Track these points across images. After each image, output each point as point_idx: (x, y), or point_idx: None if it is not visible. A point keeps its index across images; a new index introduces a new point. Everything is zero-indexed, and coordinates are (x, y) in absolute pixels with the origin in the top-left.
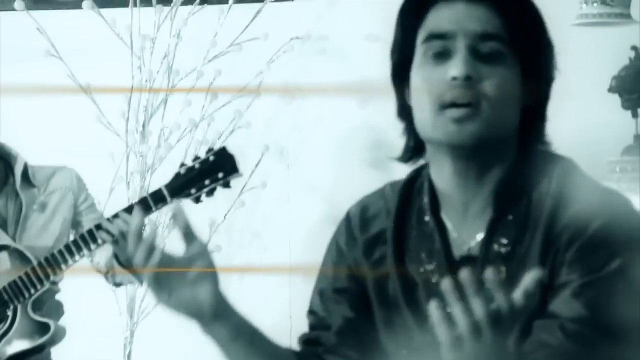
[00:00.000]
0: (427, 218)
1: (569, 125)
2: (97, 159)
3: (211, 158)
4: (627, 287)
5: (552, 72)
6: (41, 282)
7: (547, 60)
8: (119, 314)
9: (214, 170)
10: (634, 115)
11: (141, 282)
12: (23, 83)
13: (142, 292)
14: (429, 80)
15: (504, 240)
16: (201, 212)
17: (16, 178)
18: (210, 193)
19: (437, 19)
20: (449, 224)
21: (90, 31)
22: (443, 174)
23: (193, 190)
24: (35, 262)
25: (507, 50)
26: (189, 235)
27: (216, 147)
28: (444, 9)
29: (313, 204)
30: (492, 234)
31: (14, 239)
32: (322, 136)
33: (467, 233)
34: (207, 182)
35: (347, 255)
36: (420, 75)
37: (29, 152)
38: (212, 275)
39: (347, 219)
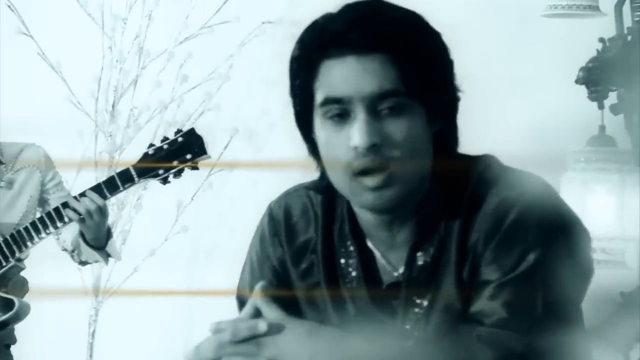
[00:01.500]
0: (351, 247)
1: (536, 115)
2: (65, 138)
3: (180, 139)
4: (545, 281)
5: (456, 92)
6: (6, 259)
7: (450, 87)
8: (84, 293)
9: (183, 151)
10: (600, 106)
11: (107, 262)
12: None
13: (107, 272)
14: (334, 146)
15: (426, 258)
16: (169, 193)
17: None
18: (178, 174)
19: (330, 80)
20: (376, 252)
21: (62, 10)
22: (366, 217)
23: (161, 171)
24: (0, 239)
25: (407, 100)
26: None
27: (185, 128)
28: (335, 65)
29: (281, 187)
30: (414, 254)
31: None
32: (291, 121)
33: (396, 260)
34: (175, 163)
35: (273, 258)
36: (324, 136)
37: None
38: None
39: (272, 219)
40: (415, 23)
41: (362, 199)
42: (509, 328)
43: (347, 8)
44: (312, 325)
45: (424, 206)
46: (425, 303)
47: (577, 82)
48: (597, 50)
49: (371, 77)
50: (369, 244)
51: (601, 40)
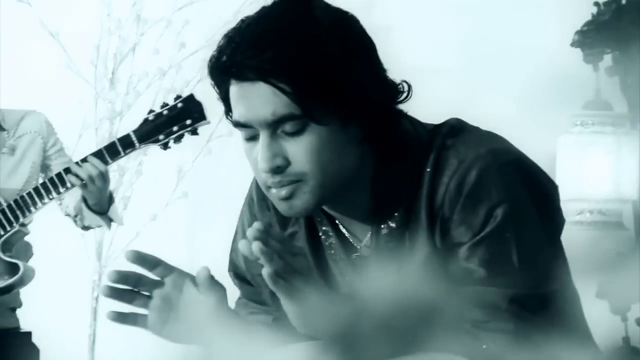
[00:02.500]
0: (324, 226)
1: (532, 79)
2: (66, 105)
3: (179, 105)
4: (516, 233)
5: (372, 89)
6: (10, 223)
7: (365, 93)
8: (87, 257)
9: (182, 117)
10: (595, 69)
11: (109, 226)
12: None
13: (110, 236)
14: (250, 163)
15: (392, 224)
16: (169, 158)
17: None
18: (178, 140)
19: (235, 104)
20: (341, 226)
21: None
22: None
23: (161, 137)
24: (4, 205)
25: (304, 120)
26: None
27: (184, 95)
28: (236, 89)
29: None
30: (378, 224)
31: None
32: None
33: (359, 232)
34: (175, 128)
35: (262, 221)
36: (244, 148)
37: None
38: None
39: (258, 189)
40: (309, 40)
41: (278, 207)
42: (490, 285)
43: (239, 29)
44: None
45: (379, 181)
46: (393, 267)
47: (572, 45)
48: (592, 14)
49: (265, 103)
50: (337, 220)
51: (596, 4)
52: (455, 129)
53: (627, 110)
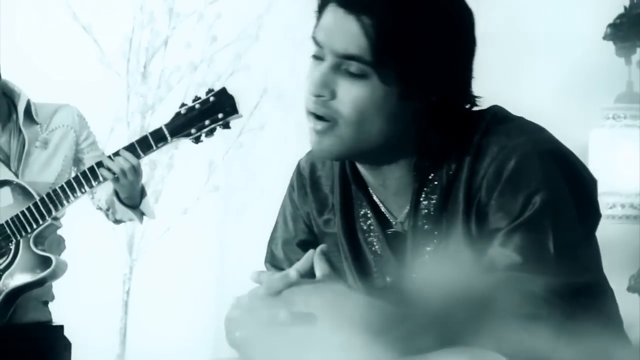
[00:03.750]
0: (362, 197)
1: (564, 72)
2: (98, 98)
3: (211, 99)
4: (553, 222)
5: (448, 83)
6: (43, 217)
7: (430, 70)
8: (119, 250)
9: (214, 110)
10: (627, 62)
11: (141, 220)
12: (26, 23)
13: (141, 230)
14: (308, 77)
15: (430, 206)
16: (200, 152)
17: (19, 115)
18: (210, 133)
19: (321, 23)
20: (377, 201)
21: None
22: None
23: (193, 130)
24: (37, 198)
25: (370, 70)
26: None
27: (216, 88)
28: (329, 12)
29: (309, 147)
30: (417, 202)
31: (16, 174)
32: None
33: (395, 208)
34: (207, 122)
35: (301, 209)
36: (310, 63)
37: (32, 90)
38: None
39: (299, 174)
40: (422, 8)
41: (310, 140)
42: (524, 271)
43: None
44: (341, 291)
45: (422, 158)
46: (431, 250)
47: (604, 38)
48: (625, 7)
49: (343, 36)
50: (371, 193)
51: None
52: (498, 116)
53: None
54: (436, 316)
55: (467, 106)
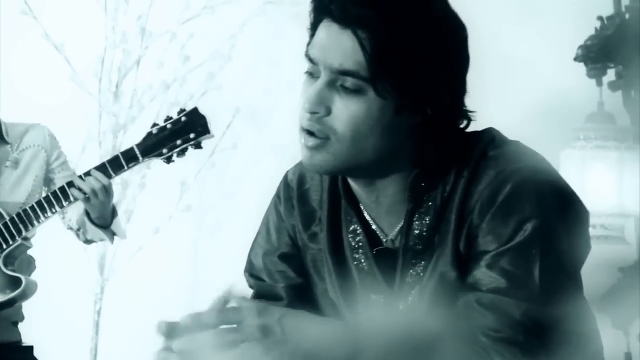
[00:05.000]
0: (352, 213)
1: (536, 92)
2: (70, 118)
3: (183, 118)
4: (542, 250)
5: (442, 97)
6: (13, 237)
7: (425, 84)
8: (90, 271)
9: (186, 130)
10: (598, 84)
11: (112, 240)
12: None
13: (112, 250)
14: (302, 95)
15: (423, 226)
16: (172, 172)
17: None
18: (182, 153)
19: (315, 39)
20: (369, 218)
21: None
22: (352, 181)
23: (165, 150)
24: (7, 218)
25: (366, 85)
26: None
27: (188, 108)
28: (323, 28)
29: (283, 166)
30: (410, 221)
31: None
32: (292, 99)
33: (386, 225)
34: (178, 142)
35: (287, 221)
36: (303, 80)
37: (2, 110)
38: None
39: (287, 185)
40: (414, 19)
41: (301, 154)
42: (508, 295)
43: None
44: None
45: (417, 180)
46: (420, 269)
47: (575, 59)
48: (595, 29)
49: (338, 52)
50: (363, 210)
51: (599, 18)
52: (496, 139)
53: (630, 124)
54: (390, 345)
55: (463, 122)
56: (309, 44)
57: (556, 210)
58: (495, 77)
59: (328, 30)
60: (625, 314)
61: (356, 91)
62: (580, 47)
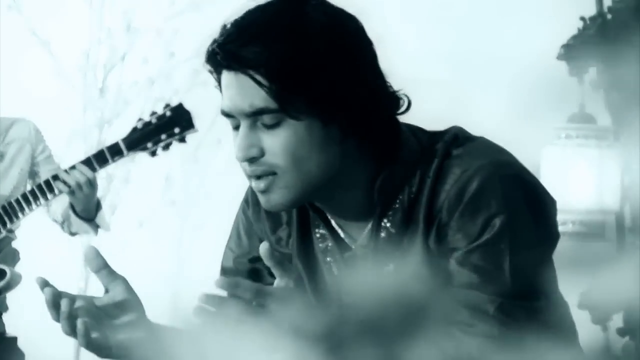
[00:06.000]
0: (321, 229)
1: (518, 91)
2: (55, 112)
3: (168, 113)
4: (511, 245)
5: (360, 92)
6: None
7: (335, 89)
8: (74, 263)
9: (171, 125)
10: (580, 82)
11: (96, 233)
12: None
13: (97, 243)
14: (234, 151)
15: (391, 229)
16: (157, 167)
17: None
18: (167, 147)
19: (223, 94)
20: (335, 225)
21: None
22: None
23: (149, 144)
24: None
25: (281, 115)
26: (108, 274)
27: (173, 103)
28: (224, 78)
29: None
30: (378, 225)
31: None
32: None
33: (354, 230)
34: (163, 136)
35: (255, 225)
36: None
37: None
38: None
39: (254, 192)
40: (294, 36)
41: (260, 199)
42: (480, 290)
43: (236, 19)
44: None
45: (379, 183)
46: (389, 268)
47: (558, 58)
48: (578, 29)
49: (244, 95)
50: (329, 217)
51: (582, 18)
52: (459, 138)
53: (611, 123)
54: (371, 320)
55: (399, 106)
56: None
57: (522, 203)
58: (477, 76)
59: (227, 79)
60: (604, 309)
61: (276, 124)
62: (563, 46)
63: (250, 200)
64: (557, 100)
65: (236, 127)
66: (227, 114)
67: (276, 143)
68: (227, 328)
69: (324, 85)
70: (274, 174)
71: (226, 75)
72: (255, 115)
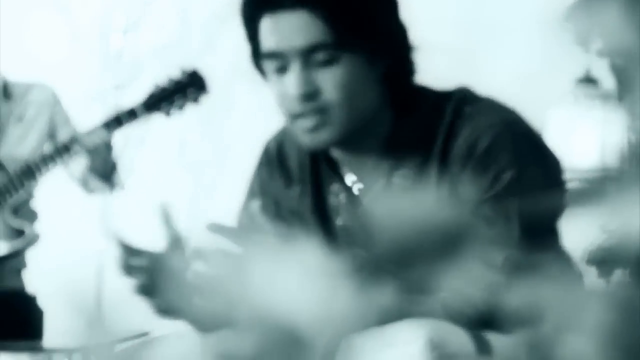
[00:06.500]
0: (330, 174)
1: (524, 55)
2: (72, 77)
3: (183, 77)
4: (519, 200)
5: (399, 31)
6: (16, 190)
7: (389, 29)
8: (91, 222)
9: (185, 88)
10: (586, 47)
11: (113, 191)
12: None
13: (113, 204)
14: (277, 92)
15: (405, 179)
16: (172, 129)
17: None
18: (180, 108)
19: (267, 35)
20: (349, 179)
21: None
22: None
23: (164, 106)
24: (11, 171)
25: (338, 52)
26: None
27: (188, 68)
28: (269, 20)
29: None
30: (390, 179)
31: None
32: None
33: (368, 183)
34: (178, 99)
35: (269, 184)
36: (272, 84)
37: (6, 68)
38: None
39: (267, 151)
40: None
41: (302, 139)
42: (489, 242)
43: None
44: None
45: (395, 137)
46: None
47: (565, 21)
48: None
49: (300, 31)
50: (342, 171)
51: None
52: (469, 97)
53: (615, 87)
54: (400, 253)
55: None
56: (255, 49)
57: (531, 160)
58: (484, 39)
59: (276, 20)
60: (609, 265)
61: (331, 60)
62: (569, 8)
63: (264, 161)
64: (563, 64)
65: (280, 69)
66: (274, 54)
67: (332, 79)
68: (268, 252)
69: (375, 18)
70: (324, 112)
71: (274, 17)
72: (310, 52)
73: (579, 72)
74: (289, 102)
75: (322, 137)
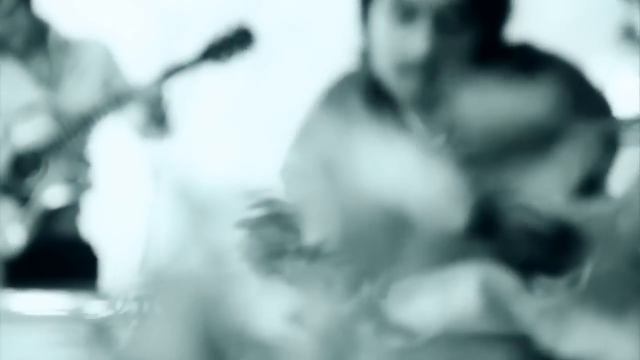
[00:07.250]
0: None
1: (565, 8)
2: (125, 31)
3: (232, 33)
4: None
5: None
6: (71, 140)
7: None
8: (143, 172)
9: (234, 43)
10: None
11: (165, 137)
12: None
13: (165, 150)
14: (391, 38)
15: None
16: (220, 83)
17: (50, 44)
18: (230, 58)
19: None
20: (416, 120)
21: None
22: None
23: (214, 58)
24: (66, 122)
25: (468, 20)
26: None
27: (237, 23)
28: None
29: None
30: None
31: (47, 99)
32: (339, 15)
33: (436, 126)
34: (227, 53)
35: (323, 125)
36: (385, 28)
37: (60, 24)
38: None
39: (326, 91)
40: None
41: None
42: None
43: None
44: None
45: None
46: None
47: None
48: None
49: None
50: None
51: None
52: (532, 48)
53: None
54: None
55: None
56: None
57: (593, 105)
58: None
59: None
60: None
61: (459, 29)
62: None
63: (322, 100)
64: (604, 17)
65: (403, 14)
66: (408, 2)
67: (451, 47)
68: (375, 140)
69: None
70: (432, 77)
71: None
72: (447, 10)
73: (621, 22)
74: (403, 53)
75: (412, 85)
